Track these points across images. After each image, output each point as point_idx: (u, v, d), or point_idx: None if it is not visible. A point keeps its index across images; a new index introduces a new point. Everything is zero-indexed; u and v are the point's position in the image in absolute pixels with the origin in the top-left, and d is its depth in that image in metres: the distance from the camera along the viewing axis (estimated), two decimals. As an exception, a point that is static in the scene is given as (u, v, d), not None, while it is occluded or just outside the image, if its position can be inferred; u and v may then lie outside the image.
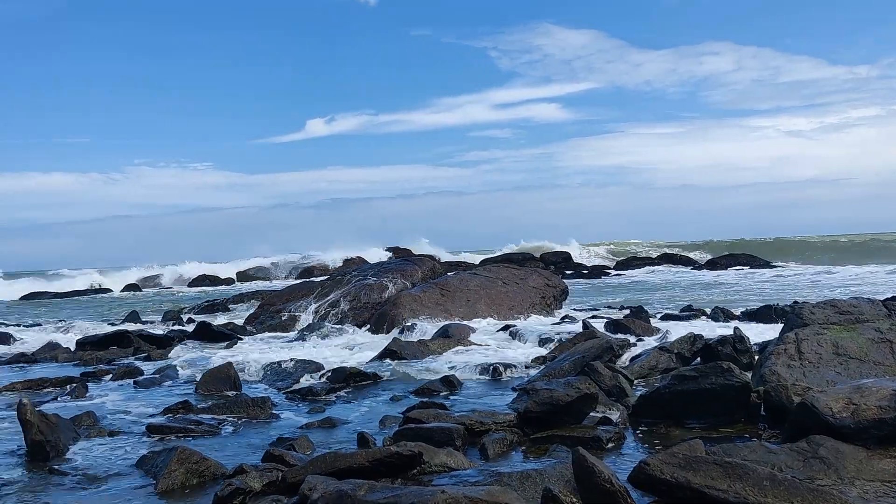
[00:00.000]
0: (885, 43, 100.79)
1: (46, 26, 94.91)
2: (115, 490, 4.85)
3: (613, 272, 37.01)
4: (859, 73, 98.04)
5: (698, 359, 8.40)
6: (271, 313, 15.96)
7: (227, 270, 46.51)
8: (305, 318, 15.20)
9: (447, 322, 12.86)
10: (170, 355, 11.60)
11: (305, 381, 8.77)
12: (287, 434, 6.07)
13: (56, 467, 5.31)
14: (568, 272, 34.85)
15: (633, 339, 10.34)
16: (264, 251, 52.20)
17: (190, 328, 15.07)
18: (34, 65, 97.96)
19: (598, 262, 44.68)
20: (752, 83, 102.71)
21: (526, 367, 9.08)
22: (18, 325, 18.87)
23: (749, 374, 6.61)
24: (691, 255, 43.94)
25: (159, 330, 15.36)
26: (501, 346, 11.06)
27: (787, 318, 8.38)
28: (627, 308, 15.74)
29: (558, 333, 11.33)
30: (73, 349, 12.60)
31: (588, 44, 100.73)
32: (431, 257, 25.54)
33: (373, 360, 10.16)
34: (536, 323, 13.73)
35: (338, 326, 13.93)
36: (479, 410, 6.18)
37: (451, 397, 7.55)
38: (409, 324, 12.84)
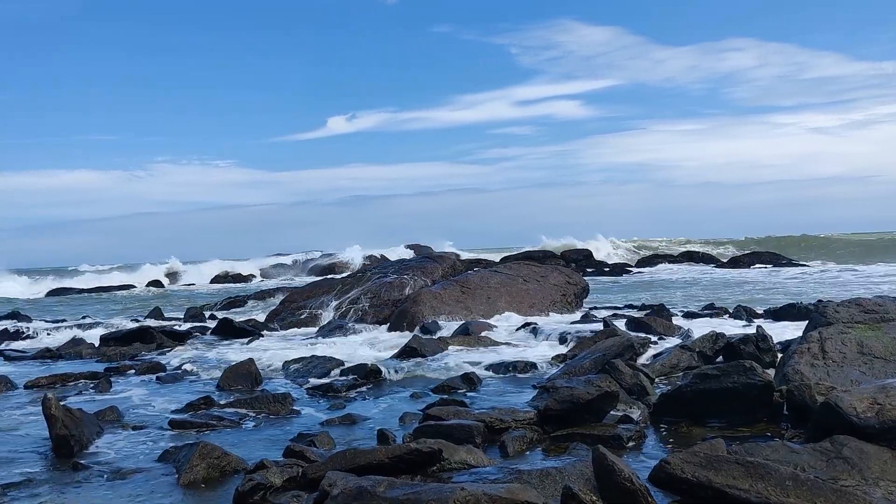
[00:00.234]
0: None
1: (72, 26, 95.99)
2: (137, 484, 4.90)
3: (635, 270, 36.81)
4: (884, 69, 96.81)
5: (720, 357, 8.34)
6: (292, 310, 16.04)
7: (248, 267, 46.83)
8: (326, 315, 15.26)
9: (467, 319, 12.86)
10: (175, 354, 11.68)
11: (326, 377, 8.81)
12: (307, 430, 6.10)
13: (80, 461, 5.37)
14: (589, 270, 34.70)
15: (654, 338, 10.29)
16: (286, 248, 52.63)
17: (212, 324, 15.18)
18: (60, 64, 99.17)
19: (624, 257, 44.41)
20: (776, 79, 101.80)
21: (546, 365, 9.06)
22: (43, 321, 19.10)
23: (772, 373, 6.55)
24: (713, 252, 43.60)
25: (182, 326, 15.49)
26: (521, 344, 11.05)
27: (811, 317, 8.31)
28: (648, 306, 15.66)
29: (579, 331, 11.30)
30: (96, 345, 12.73)
31: (609, 40, 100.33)
32: (452, 254, 25.52)
33: (393, 356, 10.18)
34: (557, 320, 13.69)
35: (358, 323, 13.97)
36: (498, 408, 6.17)
37: (471, 394, 7.55)
38: (429, 321, 12.85)
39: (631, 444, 5.39)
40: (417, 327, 12.78)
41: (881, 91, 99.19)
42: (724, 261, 38.73)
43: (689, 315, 14.20)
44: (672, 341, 9.99)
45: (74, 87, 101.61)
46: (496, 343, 11.02)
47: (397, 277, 16.09)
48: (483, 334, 11.44)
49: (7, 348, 13.08)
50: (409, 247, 45.58)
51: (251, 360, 8.93)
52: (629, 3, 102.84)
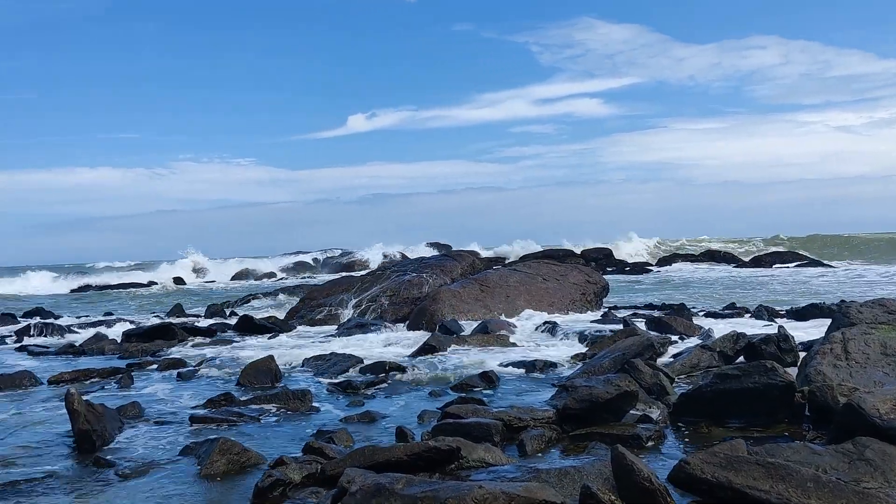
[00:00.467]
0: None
1: (95, 26, 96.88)
2: (158, 479, 4.94)
3: (655, 269, 36.61)
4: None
5: (741, 357, 8.28)
6: (312, 308, 16.11)
7: (269, 265, 47.12)
8: (346, 313, 15.31)
9: (486, 318, 12.85)
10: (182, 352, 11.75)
11: (345, 374, 8.84)
12: (327, 427, 6.12)
13: (102, 456, 5.42)
14: (609, 269, 34.57)
15: (674, 337, 10.23)
16: (306, 246, 52.86)
17: (233, 321, 15.28)
18: (85, 63, 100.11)
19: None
20: (800, 77, 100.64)
21: (565, 364, 9.03)
22: (66, 318, 19.32)
23: (793, 374, 6.49)
24: (735, 252, 43.25)
25: (203, 323, 15.61)
26: (541, 343, 11.03)
27: (834, 317, 8.23)
28: (669, 305, 15.57)
29: (598, 330, 11.26)
30: (119, 341, 12.86)
31: (630, 38, 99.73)
32: (472, 253, 25.52)
33: (412, 354, 10.20)
34: (576, 320, 13.66)
35: (377, 321, 14.01)
36: (517, 406, 6.17)
37: (489, 393, 7.54)
38: (448, 319, 12.86)
39: (650, 443, 5.36)
40: (436, 325, 12.79)
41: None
42: (746, 260, 38.41)
43: (709, 315, 14.12)
44: (692, 341, 9.93)
45: (99, 86, 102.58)
46: (515, 342, 11.01)
47: (416, 276, 16.11)
48: (502, 333, 11.43)
49: (31, 344, 13.23)
50: (430, 245, 45.66)
51: (271, 356, 8.98)
52: (650, 0, 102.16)
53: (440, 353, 10.03)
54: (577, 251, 40.23)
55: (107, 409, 6.24)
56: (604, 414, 5.73)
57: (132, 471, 5.13)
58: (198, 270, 44.66)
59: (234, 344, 12.26)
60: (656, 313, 13.87)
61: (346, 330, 13.21)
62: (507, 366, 8.97)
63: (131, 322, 16.65)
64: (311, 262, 48.99)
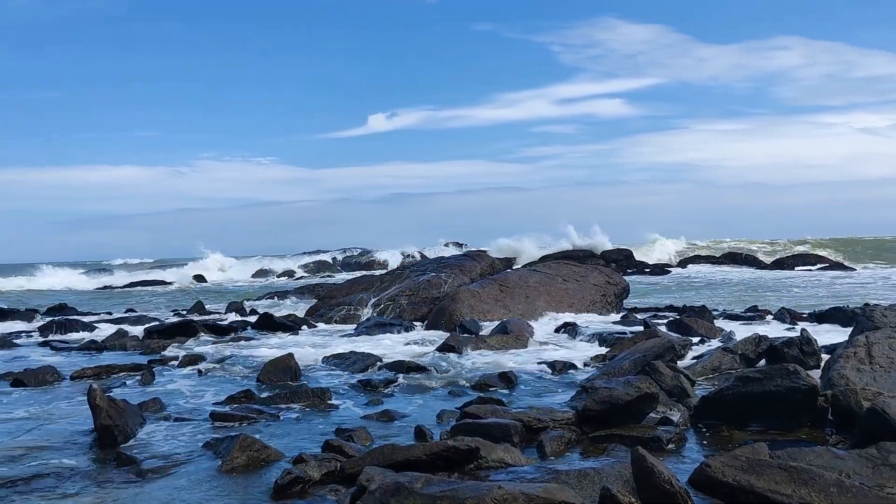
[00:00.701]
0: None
1: (119, 25, 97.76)
2: (178, 475, 4.97)
3: (676, 271, 36.40)
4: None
5: (763, 360, 8.20)
6: (331, 306, 16.17)
7: (288, 263, 47.37)
8: (365, 312, 15.35)
9: (505, 318, 12.83)
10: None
11: (364, 373, 8.86)
12: (346, 425, 6.14)
13: (123, 451, 5.47)
14: (629, 270, 34.41)
15: (695, 340, 10.16)
16: (325, 245, 53.10)
17: (253, 319, 15.37)
18: (107, 61, 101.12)
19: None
20: (824, 78, 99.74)
21: (585, 366, 9.00)
22: (89, 314, 19.52)
23: (816, 377, 6.42)
24: (757, 253, 42.90)
25: (224, 320, 15.70)
26: (560, 344, 11.00)
27: (858, 321, 8.14)
28: (690, 307, 15.48)
29: (619, 332, 11.21)
30: (140, 337, 12.97)
31: (652, 38, 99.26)
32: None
33: (431, 354, 10.20)
34: (596, 321, 13.60)
35: (396, 321, 14.02)
36: (536, 407, 6.15)
37: (509, 393, 7.53)
38: (467, 319, 12.85)
39: (671, 446, 5.33)
40: (455, 325, 12.79)
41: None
42: (768, 262, 38.11)
43: (730, 317, 14.01)
44: (714, 343, 9.86)
45: (122, 85, 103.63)
46: (534, 343, 10.98)
47: (435, 275, 16.12)
48: (521, 333, 11.40)
49: (53, 339, 13.38)
50: (449, 244, 45.69)
51: (291, 354, 9.01)
52: (672, 0, 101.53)
53: (459, 352, 10.03)
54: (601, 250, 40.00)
55: (128, 405, 6.28)
56: (624, 416, 5.70)
57: (153, 466, 5.17)
58: (217, 269, 44.97)
59: (254, 341, 12.33)
60: (677, 315, 13.77)
61: (366, 329, 13.23)
62: (526, 366, 8.95)
63: (153, 319, 16.78)
64: (331, 262, 49.21)
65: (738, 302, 18.60)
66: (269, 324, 14.15)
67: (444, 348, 10.24)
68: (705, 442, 5.54)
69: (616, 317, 14.49)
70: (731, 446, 5.15)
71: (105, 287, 37.14)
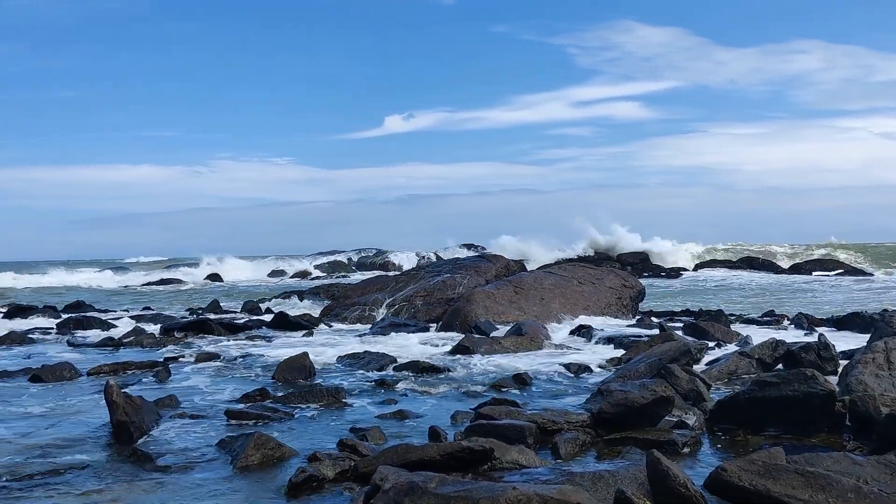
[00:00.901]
0: None
1: (139, 25, 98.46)
2: (193, 472, 4.99)
3: (692, 275, 36.22)
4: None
5: (779, 365, 8.14)
6: (346, 306, 16.20)
7: (304, 263, 47.53)
8: (380, 312, 15.37)
9: (520, 320, 12.80)
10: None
11: (379, 373, 8.87)
12: (360, 424, 6.14)
13: (139, 448, 5.49)
14: (645, 273, 34.28)
15: (711, 344, 10.10)
16: (341, 245, 53.26)
17: (268, 318, 15.43)
18: (126, 61, 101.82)
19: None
20: (843, 82, 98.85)
21: (600, 368, 8.97)
22: (106, 311, 19.66)
23: (834, 383, 6.37)
24: (774, 258, 42.60)
25: (239, 319, 15.77)
26: (575, 346, 10.97)
27: (877, 327, 8.07)
28: (706, 311, 15.39)
29: (634, 335, 11.16)
30: (157, 335, 13.05)
31: (670, 41, 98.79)
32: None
33: (445, 354, 10.20)
34: (612, 324, 13.55)
35: (411, 321, 14.03)
36: (551, 409, 6.13)
37: (523, 395, 7.51)
38: (481, 320, 12.83)
39: (686, 450, 5.29)
40: (470, 326, 12.78)
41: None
42: (785, 267, 37.84)
43: (747, 321, 13.93)
44: (730, 348, 9.80)
45: (140, 84, 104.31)
46: (549, 345, 10.95)
47: (450, 276, 16.12)
48: (536, 335, 11.37)
49: (72, 336, 13.49)
50: (463, 246, 45.71)
51: (306, 353, 9.04)
52: (690, 3, 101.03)
53: (473, 353, 10.02)
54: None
55: (144, 402, 6.32)
56: (639, 419, 5.67)
57: (168, 463, 5.19)
58: (232, 269, 45.19)
59: (269, 340, 12.38)
60: (693, 319, 13.70)
61: (380, 329, 13.26)
62: (540, 368, 8.92)
63: (169, 317, 16.89)
64: (346, 262, 49.35)
65: (754, 307, 18.47)
66: (284, 323, 14.20)
67: (459, 349, 10.24)
68: (721, 446, 5.50)
69: (632, 320, 14.44)
70: (747, 451, 5.12)
71: (125, 287, 37.37)
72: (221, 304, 19.89)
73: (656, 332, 11.09)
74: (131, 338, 12.78)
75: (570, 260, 36.94)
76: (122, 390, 6.13)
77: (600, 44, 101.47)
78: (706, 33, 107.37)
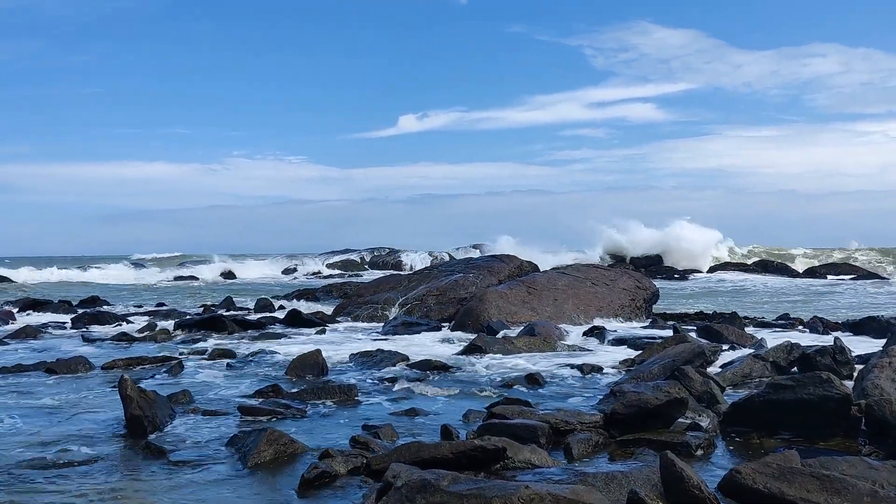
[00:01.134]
0: None
1: (154, 23, 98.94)
2: (206, 466, 5.01)
3: (706, 277, 36.07)
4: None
5: (794, 368, 8.09)
6: (359, 304, 16.23)
7: (317, 262, 47.67)
8: (392, 311, 15.39)
9: (533, 320, 12.77)
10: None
11: (391, 371, 8.88)
12: (372, 421, 6.15)
13: (152, 442, 5.52)
14: (658, 275, 34.16)
15: (725, 346, 10.04)
16: (354, 244, 53.31)
17: (281, 315, 15.47)
18: (143, 59, 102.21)
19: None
20: (861, 86, 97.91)
21: (613, 369, 8.94)
22: (121, 307, 19.79)
23: (849, 387, 6.32)
24: (790, 261, 42.34)
25: (252, 316, 15.83)
26: (588, 347, 10.93)
27: (893, 331, 8.00)
28: (720, 314, 15.31)
29: (648, 336, 11.12)
30: (171, 330, 13.11)
31: (686, 43, 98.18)
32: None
33: (458, 353, 10.20)
34: (625, 325, 13.51)
35: (423, 320, 14.04)
36: (564, 409, 6.11)
37: (535, 395, 7.50)
38: (494, 320, 12.82)
39: (699, 452, 5.26)
40: (482, 326, 12.76)
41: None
42: (800, 271, 37.59)
43: (761, 324, 13.83)
44: (744, 350, 9.74)
45: (156, 82, 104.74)
46: (562, 345, 10.92)
47: (463, 276, 16.11)
48: (549, 336, 11.34)
49: (86, 331, 13.58)
50: (475, 246, 45.67)
51: (318, 350, 9.06)
52: (707, 5, 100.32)
53: (486, 353, 10.01)
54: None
55: (158, 396, 6.35)
56: (652, 420, 5.64)
57: (181, 457, 5.22)
58: (245, 266, 45.37)
59: (283, 337, 12.42)
60: (707, 322, 13.62)
61: (393, 328, 13.27)
62: (553, 369, 8.90)
63: (183, 313, 16.97)
64: (359, 261, 49.45)
65: (769, 309, 18.37)
66: (297, 320, 14.25)
67: (471, 349, 10.23)
68: (735, 449, 5.47)
69: (645, 321, 14.39)
70: (761, 454, 5.09)
71: (139, 283, 37.55)
72: (235, 301, 19.96)
73: (670, 333, 11.04)
74: (145, 333, 12.87)
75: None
76: (137, 385, 6.16)
77: (616, 45, 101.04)
78: (722, 35, 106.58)
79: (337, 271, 45.26)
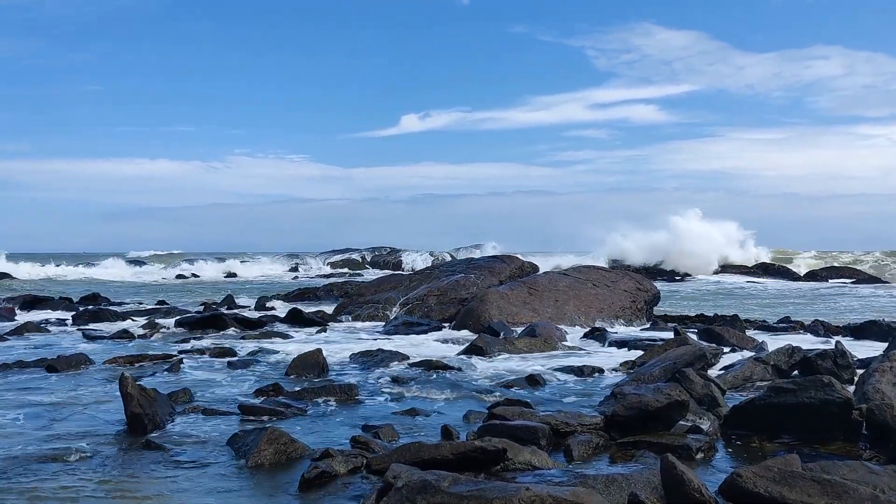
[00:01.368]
0: None
1: (157, 21, 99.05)
2: (206, 465, 5.01)
3: (707, 279, 36.04)
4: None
5: (795, 372, 8.07)
6: (360, 304, 16.21)
7: (319, 260, 47.70)
8: (393, 311, 15.38)
9: (534, 321, 12.77)
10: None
11: (392, 370, 8.87)
12: (372, 421, 6.14)
13: (152, 439, 5.52)
14: (659, 277, 34.14)
15: (726, 349, 10.03)
16: (355, 243, 53.35)
17: (282, 314, 15.46)
18: (145, 57, 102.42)
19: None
20: (863, 89, 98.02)
21: (614, 371, 8.93)
22: (122, 304, 19.78)
23: (851, 391, 6.31)
24: (791, 264, 42.29)
25: (253, 314, 15.83)
26: (589, 348, 10.92)
27: (894, 335, 7.98)
28: (721, 316, 15.30)
29: (648, 338, 11.11)
30: (171, 328, 13.11)
31: (689, 45, 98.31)
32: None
33: (458, 354, 10.19)
34: (626, 327, 13.50)
35: (424, 320, 14.03)
36: (564, 411, 6.11)
37: (536, 396, 7.49)
38: (495, 321, 12.81)
39: (700, 455, 5.25)
40: (483, 327, 12.75)
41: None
42: (801, 274, 37.57)
43: (763, 328, 13.82)
44: (745, 353, 9.72)
45: (158, 80, 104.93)
46: (563, 346, 10.92)
47: (464, 276, 16.10)
48: (550, 337, 11.34)
49: (87, 328, 13.57)
50: (477, 246, 45.68)
51: (319, 350, 9.06)
52: (710, 7, 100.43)
53: (486, 354, 10.00)
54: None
55: (158, 394, 6.35)
56: (653, 422, 5.63)
57: (181, 455, 5.22)
58: (246, 265, 45.42)
59: (283, 336, 12.41)
60: (708, 324, 13.61)
61: (393, 327, 13.27)
62: (554, 370, 8.89)
63: (183, 311, 16.97)
64: (360, 260, 49.48)
65: (770, 312, 18.35)
66: (298, 319, 14.25)
67: (472, 349, 10.22)
68: (735, 452, 5.47)
69: (646, 323, 14.37)
70: (762, 457, 5.07)
71: (141, 280, 37.58)
72: (236, 300, 19.97)
73: (671, 335, 11.03)
74: (146, 330, 12.87)
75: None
76: (137, 382, 6.16)
77: (619, 46, 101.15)
78: (725, 37, 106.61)
79: (339, 270, 45.29)
